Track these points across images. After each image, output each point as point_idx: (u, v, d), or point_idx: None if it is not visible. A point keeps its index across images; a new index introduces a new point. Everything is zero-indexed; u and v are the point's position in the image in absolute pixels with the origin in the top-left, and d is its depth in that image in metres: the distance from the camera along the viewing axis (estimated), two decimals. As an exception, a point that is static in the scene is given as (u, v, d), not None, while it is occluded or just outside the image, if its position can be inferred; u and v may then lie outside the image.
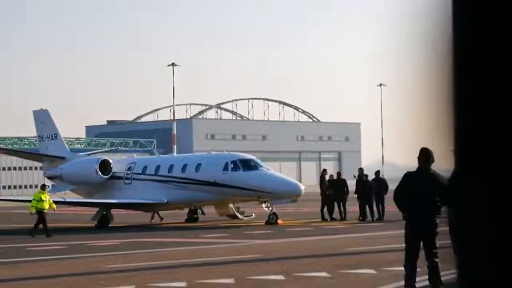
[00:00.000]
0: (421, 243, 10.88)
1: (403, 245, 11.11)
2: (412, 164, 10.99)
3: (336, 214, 32.42)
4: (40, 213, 27.58)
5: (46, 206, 27.81)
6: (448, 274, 10.60)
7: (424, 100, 2.75)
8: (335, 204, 32.40)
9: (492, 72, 2.50)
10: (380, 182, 31.79)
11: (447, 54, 2.62)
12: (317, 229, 27.96)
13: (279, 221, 30.75)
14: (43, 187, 28.77)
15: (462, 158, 2.65)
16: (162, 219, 34.74)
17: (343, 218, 31.95)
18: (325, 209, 32.74)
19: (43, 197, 27.88)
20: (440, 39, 2.62)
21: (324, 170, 34.83)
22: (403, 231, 11.12)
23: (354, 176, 33.31)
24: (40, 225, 27.44)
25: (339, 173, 34.42)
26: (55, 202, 36.12)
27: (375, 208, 31.54)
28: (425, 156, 10.73)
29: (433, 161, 10.70)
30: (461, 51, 2.57)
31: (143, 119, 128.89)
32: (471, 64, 2.55)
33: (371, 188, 31.55)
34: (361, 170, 33.95)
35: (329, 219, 32.14)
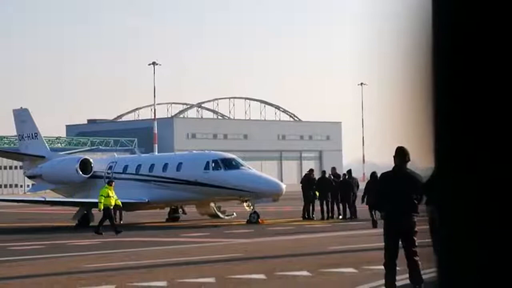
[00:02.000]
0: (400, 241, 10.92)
1: (382, 243, 11.15)
2: (392, 163, 11.04)
3: (318, 214, 32.51)
4: (107, 209, 27.42)
5: (113, 202, 27.68)
6: (429, 272, 10.66)
7: (404, 98, 2.77)
8: (323, 202, 32.53)
9: (474, 69, 2.51)
10: (350, 181, 32.05)
11: (427, 53, 2.63)
12: (299, 228, 28.01)
13: (261, 220, 30.77)
14: (110, 182, 28.51)
15: (441, 156, 2.66)
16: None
17: (329, 217, 32.12)
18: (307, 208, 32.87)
19: (110, 193, 27.75)
20: (420, 37, 2.63)
21: (311, 170, 34.93)
22: (381, 230, 11.17)
23: (329, 176, 33.56)
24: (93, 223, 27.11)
25: (324, 172, 34.70)
26: (35, 201, 36.06)
27: (342, 207, 32.00)
28: (401, 155, 10.77)
29: (408, 160, 10.75)
30: (442, 50, 2.59)
31: (124, 118, 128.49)
32: (452, 61, 2.57)
33: (335, 188, 32.14)
34: (333, 169, 34.25)
35: (311, 217, 32.29)
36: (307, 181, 33.24)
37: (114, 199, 27.71)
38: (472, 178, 2.54)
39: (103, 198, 27.48)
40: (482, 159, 2.52)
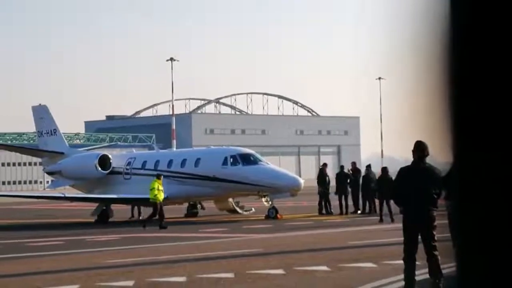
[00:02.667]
0: (419, 236, 10.90)
1: (402, 238, 11.12)
2: (411, 157, 11.00)
3: (336, 208, 32.48)
4: (155, 204, 27.50)
5: (162, 196, 27.78)
6: (448, 267, 10.62)
7: (423, 93, 2.76)
8: (341, 197, 32.49)
9: (492, 66, 2.51)
10: (371, 176, 32.01)
11: (445, 49, 2.63)
12: (317, 223, 27.99)
13: (279, 216, 30.76)
14: (159, 176, 28.58)
15: (461, 151, 2.66)
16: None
17: (347, 212, 32.10)
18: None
19: (160, 187, 27.88)
20: (438, 34, 2.63)
21: (325, 165, 34.91)
22: (401, 225, 11.13)
23: (349, 171, 33.53)
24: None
25: (342, 167, 34.78)
26: (54, 197, 36.24)
27: (361, 202, 32.03)
28: (419, 149, 10.73)
29: (427, 154, 10.70)
30: (460, 46, 2.58)
31: (142, 114, 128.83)
32: (471, 56, 2.56)
33: (352, 183, 32.27)
34: (353, 164, 34.19)
35: (326, 212, 32.27)
36: (321, 176, 33.31)
37: (162, 193, 27.78)
38: (491, 173, 2.53)
39: (156, 190, 27.56)
40: (502, 155, 2.51)
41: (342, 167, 34.69)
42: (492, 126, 2.52)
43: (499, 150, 2.51)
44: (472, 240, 2.66)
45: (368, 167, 32.90)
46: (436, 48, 2.66)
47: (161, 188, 27.85)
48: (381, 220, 26.91)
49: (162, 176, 28.76)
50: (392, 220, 26.19)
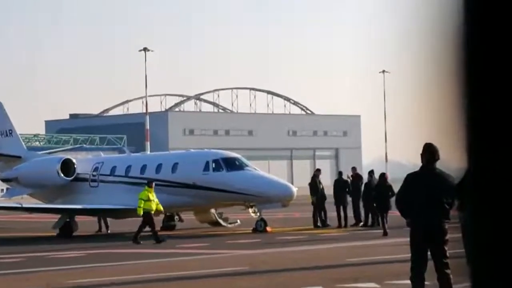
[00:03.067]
0: (429, 252, 10.91)
1: (409, 255, 11.14)
2: (419, 162, 11.02)
3: (334, 220, 32.51)
4: (147, 214, 27.53)
5: (154, 206, 27.78)
6: (462, 287, 10.65)
7: (433, 88, 2.76)
8: (340, 208, 32.56)
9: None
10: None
11: (462, 37, 2.63)
12: (311, 237, 28.00)
13: (268, 229, 30.78)
14: (150, 183, 28.60)
15: (477, 154, 2.65)
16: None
17: (346, 224, 32.14)
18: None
19: (150, 196, 27.84)
20: (453, 22, 2.64)
21: (318, 170, 34.97)
22: (408, 239, 11.15)
23: (348, 177, 33.60)
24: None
25: (340, 173, 34.86)
26: (10, 208, 36.09)
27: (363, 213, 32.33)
28: (429, 152, 10.74)
29: (438, 158, 10.72)
30: (477, 38, 2.59)
31: (111, 113, 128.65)
32: (489, 49, 2.57)
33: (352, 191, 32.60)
34: (354, 169, 34.28)
35: (322, 225, 32.33)
36: (314, 183, 33.35)
37: (155, 203, 27.77)
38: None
39: (143, 202, 27.61)
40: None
41: (340, 173, 34.75)
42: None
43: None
44: (489, 257, 2.65)
45: (371, 173, 32.96)
46: (450, 38, 2.66)
47: (152, 197, 27.83)
48: (385, 234, 27.03)
49: (153, 183, 28.78)
50: (385, 234, 26.73)
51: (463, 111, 2.67)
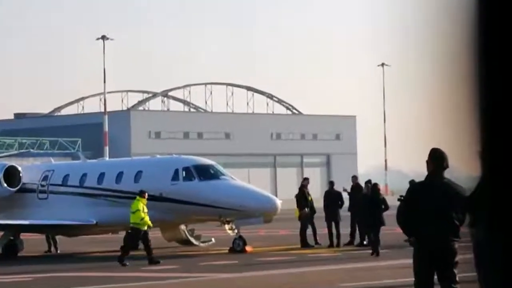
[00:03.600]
0: (436, 276, 10.95)
1: (411, 279, 11.16)
2: (425, 170, 11.05)
3: (324, 239, 32.57)
4: (137, 230, 27.62)
5: (147, 220, 27.81)
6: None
7: (442, 86, 2.77)
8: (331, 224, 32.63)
9: None
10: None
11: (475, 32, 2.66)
12: (298, 257, 28.02)
13: (248, 248, 30.79)
14: (142, 193, 28.62)
15: (493, 161, 2.67)
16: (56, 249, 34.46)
17: (336, 244, 32.18)
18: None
19: (144, 207, 27.89)
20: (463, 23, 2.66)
21: (305, 180, 35.02)
22: (410, 261, 11.18)
23: (345, 190, 33.66)
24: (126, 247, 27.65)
25: (331, 183, 34.81)
26: None
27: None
28: (436, 159, 10.77)
29: (447, 167, 10.75)
30: (490, 37, 2.62)
31: (64, 112, 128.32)
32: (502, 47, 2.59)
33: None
34: (354, 178, 34.34)
35: (314, 244, 32.36)
36: (301, 195, 33.40)
37: (146, 216, 27.83)
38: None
39: (142, 213, 27.69)
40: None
41: (331, 183, 34.75)
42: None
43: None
44: (508, 281, 2.66)
45: (368, 183, 33.14)
46: (462, 30, 2.69)
47: (146, 210, 27.87)
48: (374, 254, 27.38)
49: (146, 194, 28.80)
50: (377, 254, 27.15)
51: (477, 112, 2.69)
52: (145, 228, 27.78)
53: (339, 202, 33.06)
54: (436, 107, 2.81)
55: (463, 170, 2.76)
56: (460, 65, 2.70)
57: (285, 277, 22.00)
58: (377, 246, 27.47)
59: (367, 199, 31.61)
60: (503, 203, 2.66)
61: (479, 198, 2.74)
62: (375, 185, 30.20)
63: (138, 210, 27.81)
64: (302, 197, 33.28)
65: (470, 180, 2.79)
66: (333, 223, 32.59)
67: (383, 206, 28.51)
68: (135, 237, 27.84)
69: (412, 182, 32.70)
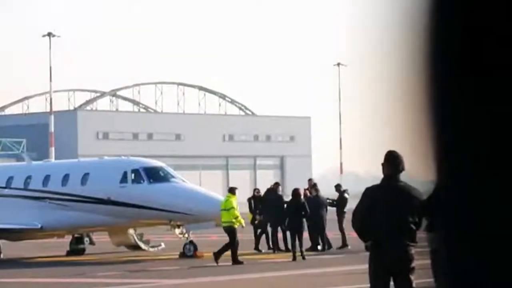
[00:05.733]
0: (392, 283, 10.98)
1: (367, 285, 11.19)
2: (380, 173, 11.09)
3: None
4: (230, 229, 27.64)
5: (240, 219, 27.88)
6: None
7: (399, 85, 2.78)
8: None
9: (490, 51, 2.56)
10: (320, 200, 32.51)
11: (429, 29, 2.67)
12: (251, 263, 28.05)
13: (198, 253, 30.78)
14: (233, 190, 28.68)
15: (448, 165, 2.67)
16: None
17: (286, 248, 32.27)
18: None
19: (236, 205, 27.94)
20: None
21: (276, 184, 35.15)
22: (366, 266, 11.20)
23: (329, 200, 33.79)
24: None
25: (276, 185, 34.94)
26: None
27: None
28: (392, 162, 10.80)
29: (402, 169, 10.79)
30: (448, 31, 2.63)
31: (7, 111, 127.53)
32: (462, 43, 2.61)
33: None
34: (310, 182, 34.45)
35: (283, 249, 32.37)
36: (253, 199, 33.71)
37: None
38: (495, 193, 2.54)
39: (236, 211, 27.77)
40: (505, 167, 2.52)
41: (276, 185, 34.80)
42: (496, 129, 2.54)
43: (506, 160, 2.53)
44: (475, 281, 2.67)
45: (337, 187, 33.45)
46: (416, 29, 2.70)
47: (236, 207, 28.12)
48: (294, 259, 27.96)
49: (236, 189, 29.11)
50: (303, 257, 27.99)
51: (431, 113, 2.69)
52: (237, 226, 27.87)
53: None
54: (391, 107, 2.81)
55: (419, 173, 2.77)
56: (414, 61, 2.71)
57: (239, 283, 22.02)
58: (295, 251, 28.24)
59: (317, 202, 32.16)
60: (459, 207, 2.66)
61: (436, 202, 2.75)
62: (296, 190, 30.53)
63: (233, 208, 27.96)
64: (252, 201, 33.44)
65: (426, 183, 2.79)
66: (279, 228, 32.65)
67: (303, 212, 29.02)
68: (232, 234, 27.66)
69: (338, 187, 33.32)
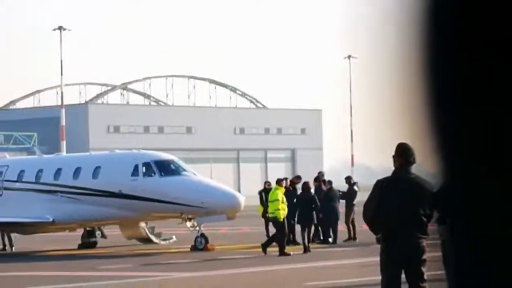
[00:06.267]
0: (403, 275, 10.99)
1: (378, 277, 11.21)
2: (392, 165, 11.08)
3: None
4: (274, 220, 27.82)
5: (283, 212, 27.84)
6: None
7: (409, 78, 2.80)
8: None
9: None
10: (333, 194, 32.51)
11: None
12: (263, 256, 28.07)
13: (209, 246, 30.81)
14: (280, 181, 28.81)
15: (453, 158, 2.69)
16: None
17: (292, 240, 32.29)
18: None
19: (281, 198, 27.93)
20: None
21: (285, 179, 35.08)
22: (377, 259, 11.21)
23: (340, 192, 33.75)
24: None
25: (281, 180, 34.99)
26: None
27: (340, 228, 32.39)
28: (403, 154, 10.79)
29: (414, 162, 10.78)
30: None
31: (19, 105, 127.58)
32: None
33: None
34: (320, 174, 34.40)
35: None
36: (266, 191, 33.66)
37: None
38: (496, 193, 2.56)
39: (280, 204, 27.80)
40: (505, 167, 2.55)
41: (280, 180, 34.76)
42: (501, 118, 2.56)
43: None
44: (475, 282, 2.69)
45: (347, 179, 33.38)
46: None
47: (284, 199, 28.05)
48: (307, 250, 28.23)
49: (284, 181, 29.29)
50: (308, 250, 28.19)
51: (433, 107, 2.72)
52: (281, 218, 27.91)
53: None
54: (403, 100, 2.83)
55: (430, 166, 2.78)
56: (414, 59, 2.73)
57: (249, 276, 22.03)
58: (307, 242, 28.47)
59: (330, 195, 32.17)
60: (470, 198, 2.68)
61: (447, 194, 2.77)
62: (306, 183, 30.60)
63: (277, 200, 28.05)
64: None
65: (438, 176, 2.81)
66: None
67: (313, 205, 29.08)
68: (281, 225, 27.76)
69: (348, 179, 33.25)
